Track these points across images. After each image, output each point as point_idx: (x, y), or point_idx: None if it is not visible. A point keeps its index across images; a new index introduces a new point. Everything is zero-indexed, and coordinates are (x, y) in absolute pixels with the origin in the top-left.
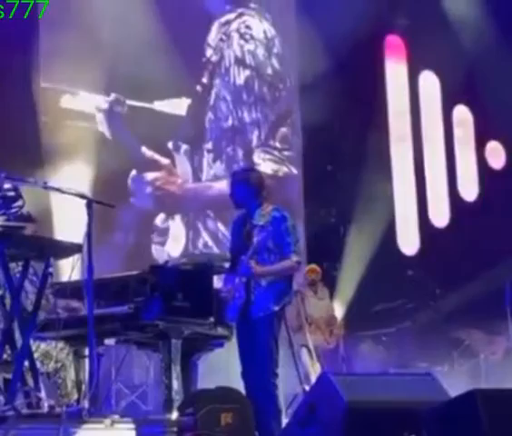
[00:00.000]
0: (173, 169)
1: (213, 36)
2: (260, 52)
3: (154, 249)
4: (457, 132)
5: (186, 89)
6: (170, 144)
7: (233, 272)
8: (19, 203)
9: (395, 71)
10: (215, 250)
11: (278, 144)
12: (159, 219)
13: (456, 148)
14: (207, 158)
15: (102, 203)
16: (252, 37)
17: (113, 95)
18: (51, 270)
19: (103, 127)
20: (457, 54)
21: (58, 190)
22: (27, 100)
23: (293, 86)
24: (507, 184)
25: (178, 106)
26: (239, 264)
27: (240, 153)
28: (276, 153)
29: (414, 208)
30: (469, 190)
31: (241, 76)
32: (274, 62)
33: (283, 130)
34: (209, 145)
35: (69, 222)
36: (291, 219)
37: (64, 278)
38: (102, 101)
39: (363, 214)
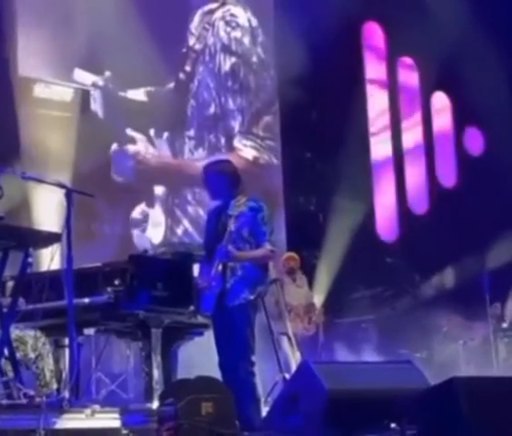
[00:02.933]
0: (151, 144)
1: (196, 25)
2: (246, 39)
3: (136, 236)
4: (435, 118)
5: (166, 77)
6: (151, 131)
7: (209, 263)
8: None
9: (373, 58)
10: (196, 237)
11: (261, 133)
12: (137, 211)
13: (434, 134)
14: (188, 145)
15: (81, 193)
16: (238, 25)
17: (107, 73)
18: (30, 260)
19: (95, 106)
20: (436, 40)
21: (37, 179)
22: (4, 90)
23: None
24: (485, 171)
25: (137, 93)
26: (215, 253)
27: (222, 140)
28: (258, 140)
29: (393, 195)
30: (448, 177)
31: (226, 63)
32: (259, 50)
33: (267, 119)
34: (191, 132)
35: (49, 213)
36: (267, 209)
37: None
38: (98, 79)
39: (342, 202)
